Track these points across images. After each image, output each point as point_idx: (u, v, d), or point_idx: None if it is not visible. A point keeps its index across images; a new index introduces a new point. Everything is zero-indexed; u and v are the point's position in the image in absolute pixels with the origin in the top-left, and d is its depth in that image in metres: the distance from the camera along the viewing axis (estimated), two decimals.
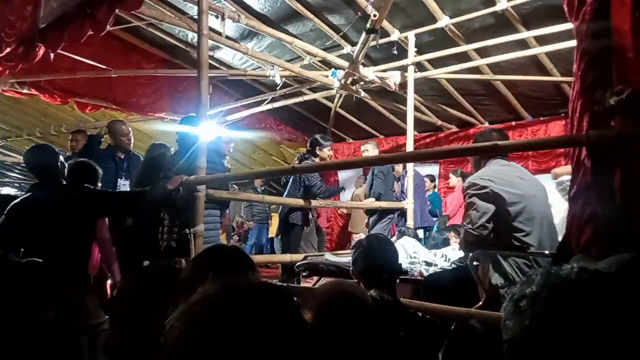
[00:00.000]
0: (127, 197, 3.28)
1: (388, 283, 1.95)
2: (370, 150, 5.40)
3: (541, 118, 6.69)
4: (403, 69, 5.32)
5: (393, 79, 5.38)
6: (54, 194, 2.72)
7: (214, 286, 0.76)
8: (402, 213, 5.13)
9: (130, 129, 4.45)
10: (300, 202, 4.50)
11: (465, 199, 2.70)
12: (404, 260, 3.11)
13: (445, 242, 4.05)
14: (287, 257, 4.25)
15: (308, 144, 4.66)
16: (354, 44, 5.16)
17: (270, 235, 8.46)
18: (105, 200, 2.94)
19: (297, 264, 3.74)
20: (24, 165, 3.02)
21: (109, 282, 4.07)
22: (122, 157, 4.29)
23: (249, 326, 0.69)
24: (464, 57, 5.26)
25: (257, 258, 4.24)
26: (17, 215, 2.68)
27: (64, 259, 2.57)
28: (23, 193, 2.92)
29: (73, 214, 2.70)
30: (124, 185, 4.14)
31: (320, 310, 1.28)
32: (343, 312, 1.29)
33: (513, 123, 6.90)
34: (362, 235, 7.02)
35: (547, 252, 2.55)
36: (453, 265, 3.17)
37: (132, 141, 4.44)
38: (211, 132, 3.30)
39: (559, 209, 2.95)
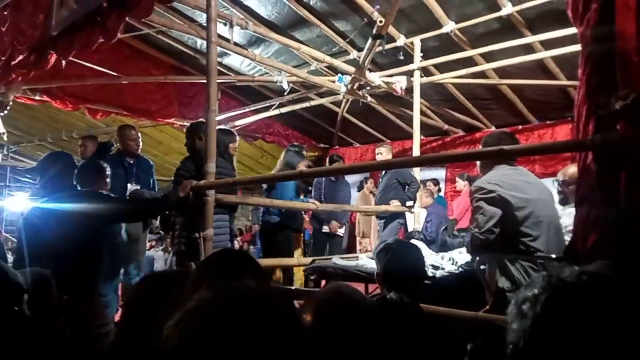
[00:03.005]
0: (140, 204, 3.30)
1: (412, 289, 1.94)
2: (384, 153, 5.43)
3: (547, 122, 6.67)
4: (409, 73, 5.33)
5: (399, 83, 5.40)
6: (69, 200, 2.76)
7: (208, 293, 0.76)
8: None
9: (139, 133, 4.50)
10: (309, 205, 4.53)
11: (472, 203, 2.71)
12: None
13: (458, 245, 4.04)
14: (295, 261, 4.28)
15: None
16: (360, 50, 5.19)
17: None
18: (119, 207, 2.96)
19: (305, 267, 3.76)
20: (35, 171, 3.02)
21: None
22: (131, 162, 4.33)
23: (244, 334, 0.69)
24: (469, 61, 5.28)
25: (265, 261, 4.27)
26: (34, 220, 2.72)
27: (76, 263, 2.61)
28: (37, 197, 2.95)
29: (85, 219, 2.72)
30: (135, 190, 4.17)
31: (318, 313, 1.30)
32: (339, 314, 1.30)
33: (519, 127, 6.88)
34: (367, 240, 7.06)
35: (553, 256, 2.56)
36: (460, 269, 3.18)
37: (141, 145, 4.48)
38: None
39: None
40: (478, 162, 2.99)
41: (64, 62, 3.84)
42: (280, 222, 4.56)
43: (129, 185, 4.20)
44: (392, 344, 1.38)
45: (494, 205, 2.58)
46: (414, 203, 5.16)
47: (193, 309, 0.74)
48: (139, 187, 4.22)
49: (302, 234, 5.04)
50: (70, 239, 2.63)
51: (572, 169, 2.65)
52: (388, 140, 8.25)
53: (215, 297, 0.75)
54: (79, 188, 2.90)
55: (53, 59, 3.80)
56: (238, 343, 0.68)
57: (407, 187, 5.20)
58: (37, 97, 5.38)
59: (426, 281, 2.96)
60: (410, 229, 5.27)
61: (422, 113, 5.92)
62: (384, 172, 5.51)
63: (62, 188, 2.84)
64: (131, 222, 3.59)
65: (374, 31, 4.28)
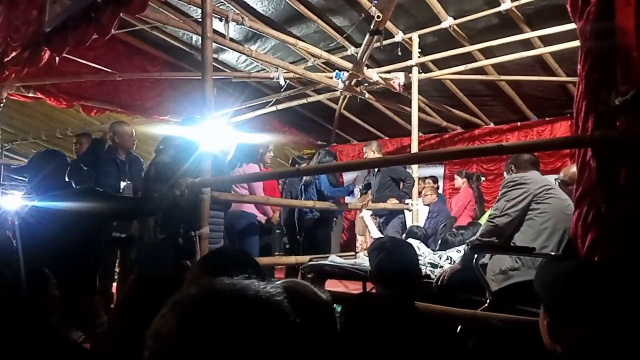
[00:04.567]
0: (136, 202, 3.28)
1: (406, 286, 1.94)
2: (369, 154, 5.38)
3: (546, 118, 6.66)
4: (407, 70, 5.31)
5: (397, 80, 5.37)
6: (66, 199, 2.74)
7: (194, 289, 0.75)
8: None
9: (133, 130, 4.46)
10: (306, 203, 4.50)
11: (500, 193, 2.78)
12: None
13: (458, 243, 4.01)
14: (292, 259, 4.25)
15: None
16: (357, 46, 5.15)
17: None
18: (116, 205, 2.94)
19: (302, 266, 3.73)
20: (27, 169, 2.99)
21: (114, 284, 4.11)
22: (123, 159, 4.27)
23: (229, 331, 0.68)
24: (468, 57, 5.25)
25: (263, 260, 4.24)
26: (30, 219, 2.70)
27: (73, 262, 2.59)
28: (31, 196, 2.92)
29: (82, 217, 2.71)
30: (127, 187, 4.14)
31: None
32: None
33: (518, 124, 6.87)
34: (361, 239, 7.06)
35: (552, 253, 2.54)
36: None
37: (135, 142, 4.46)
38: (213, 134, 3.30)
39: None
40: (506, 168, 3.04)
41: (57, 58, 3.80)
42: (321, 219, 4.80)
43: (122, 182, 4.15)
44: (364, 341, 1.35)
45: (521, 197, 2.65)
46: (411, 199, 5.13)
47: (177, 303, 0.73)
48: (131, 185, 4.17)
49: None
50: (67, 238, 2.62)
51: (573, 169, 2.65)
52: (385, 137, 8.23)
53: (199, 294, 0.74)
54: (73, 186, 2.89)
55: (47, 55, 3.77)
56: (226, 341, 0.67)
57: (401, 183, 5.17)
58: (30, 95, 5.35)
59: (426, 279, 2.95)
60: (409, 225, 5.24)
61: (421, 110, 5.89)
62: (375, 170, 5.46)
63: (57, 186, 2.82)
64: (127, 220, 3.57)
65: (372, 27, 4.24)
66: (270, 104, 6.79)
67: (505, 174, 3.07)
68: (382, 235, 4.61)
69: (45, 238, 2.60)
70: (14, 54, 3.80)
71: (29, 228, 2.68)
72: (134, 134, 4.39)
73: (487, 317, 2.21)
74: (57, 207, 2.68)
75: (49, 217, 2.65)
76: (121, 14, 3.40)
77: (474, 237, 2.80)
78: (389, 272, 1.95)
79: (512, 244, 2.66)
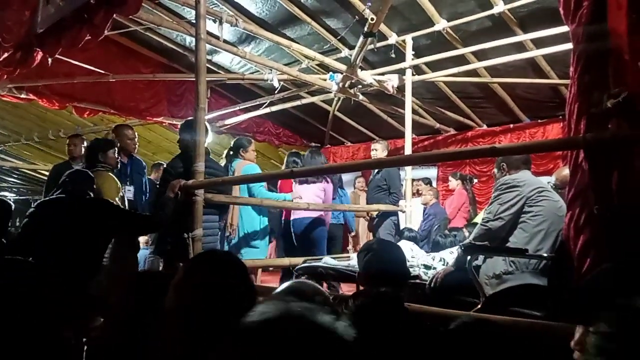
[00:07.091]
0: (145, 219, 3.25)
1: (394, 286, 1.93)
2: (379, 150, 5.40)
3: (539, 120, 6.69)
4: (401, 72, 5.32)
5: (391, 82, 5.37)
6: (78, 204, 2.78)
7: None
8: None
9: (135, 134, 4.46)
10: (300, 204, 4.50)
11: (493, 196, 2.78)
12: None
13: (450, 245, 4.02)
14: (286, 261, 4.25)
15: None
16: (351, 48, 5.16)
17: None
18: (124, 219, 2.93)
19: (296, 267, 3.73)
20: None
21: None
22: (125, 162, 4.26)
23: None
24: (461, 60, 5.27)
25: (256, 262, 4.23)
26: (42, 213, 2.75)
27: (73, 265, 2.60)
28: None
29: (91, 225, 2.72)
30: (128, 190, 4.11)
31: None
32: None
33: (511, 126, 6.90)
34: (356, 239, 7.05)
35: (545, 254, 2.55)
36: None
37: (137, 146, 4.46)
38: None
39: None
40: (497, 166, 3.03)
41: (50, 59, 3.78)
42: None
43: (124, 186, 4.14)
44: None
45: (514, 200, 2.65)
46: (404, 200, 5.15)
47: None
48: (132, 189, 4.16)
49: None
50: (72, 240, 2.64)
51: (566, 171, 2.66)
52: (379, 139, 8.23)
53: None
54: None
55: (39, 56, 3.74)
56: None
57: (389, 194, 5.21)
58: (23, 96, 5.31)
59: (419, 281, 2.95)
60: (402, 227, 5.25)
61: (414, 112, 5.91)
62: (376, 170, 5.47)
63: (80, 194, 2.84)
64: (134, 234, 3.60)
65: (366, 29, 4.25)
66: (264, 105, 6.78)
67: (496, 171, 3.05)
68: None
69: (55, 235, 2.63)
70: (6, 55, 3.77)
71: (39, 220, 2.72)
72: (136, 138, 4.39)
73: (481, 318, 2.21)
74: (72, 209, 2.72)
75: (63, 217, 2.68)
76: (114, 15, 3.39)
77: (467, 240, 2.81)
78: (376, 272, 1.96)
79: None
